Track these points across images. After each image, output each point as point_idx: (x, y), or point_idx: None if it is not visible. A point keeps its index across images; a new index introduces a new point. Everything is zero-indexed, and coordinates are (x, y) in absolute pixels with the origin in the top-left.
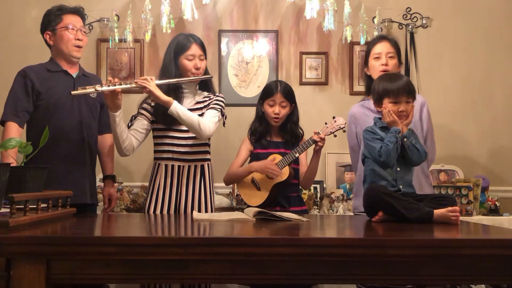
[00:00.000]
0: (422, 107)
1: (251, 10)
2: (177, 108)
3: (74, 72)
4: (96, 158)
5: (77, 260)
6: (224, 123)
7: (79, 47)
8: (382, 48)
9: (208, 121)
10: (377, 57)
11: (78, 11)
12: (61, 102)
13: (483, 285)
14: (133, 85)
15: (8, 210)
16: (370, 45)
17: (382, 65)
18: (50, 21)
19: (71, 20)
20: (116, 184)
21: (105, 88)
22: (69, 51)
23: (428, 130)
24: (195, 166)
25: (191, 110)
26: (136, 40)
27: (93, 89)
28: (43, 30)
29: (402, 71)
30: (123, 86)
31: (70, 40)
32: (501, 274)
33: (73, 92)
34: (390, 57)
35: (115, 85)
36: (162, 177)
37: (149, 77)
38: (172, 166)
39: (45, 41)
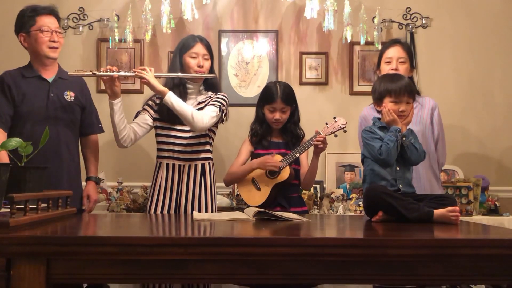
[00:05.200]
0: (433, 110)
1: (251, 10)
2: (171, 98)
3: (50, 76)
4: (80, 161)
5: (77, 260)
6: (223, 121)
7: (54, 48)
8: (394, 52)
9: (203, 114)
10: (388, 61)
11: (52, 12)
12: (35, 110)
13: (483, 285)
14: (131, 73)
15: (8, 210)
16: (383, 48)
17: (392, 69)
18: (24, 23)
19: (45, 22)
20: (116, 184)
21: (102, 73)
22: (44, 52)
23: (439, 134)
24: (195, 165)
25: None
26: (136, 40)
27: (90, 73)
28: (17, 31)
29: (415, 75)
30: (121, 73)
31: (44, 42)
32: (501, 274)
33: (70, 73)
34: (401, 62)
35: (113, 71)
36: (164, 175)
37: (148, 67)
38: (173, 165)
39: (20, 42)
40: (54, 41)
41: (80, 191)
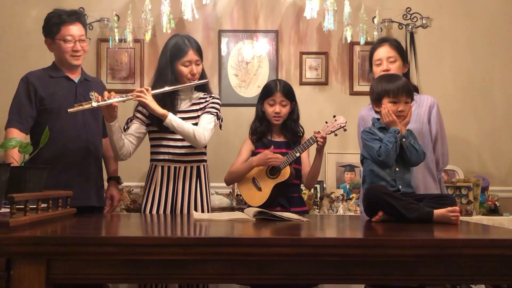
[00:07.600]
0: (431, 108)
1: (251, 10)
2: (172, 120)
3: (75, 77)
4: (102, 160)
5: (77, 260)
6: (220, 126)
7: (77, 56)
8: (382, 53)
9: (203, 129)
10: (378, 63)
11: (78, 18)
12: (64, 107)
13: (483, 285)
14: (129, 97)
15: (8, 210)
16: (372, 50)
17: (384, 70)
18: (50, 29)
19: (69, 31)
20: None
21: (101, 103)
22: (67, 60)
23: (438, 132)
24: (191, 167)
25: (187, 111)
26: (136, 40)
27: (89, 105)
28: (44, 34)
29: (415, 74)
30: (119, 99)
31: (67, 51)
32: (501, 274)
33: (69, 110)
34: (391, 61)
35: (111, 99)
36: (159, 178)
37: (145, 87)
38: (168, 167)
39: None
40: (76, 51)
41: (103, 189)
